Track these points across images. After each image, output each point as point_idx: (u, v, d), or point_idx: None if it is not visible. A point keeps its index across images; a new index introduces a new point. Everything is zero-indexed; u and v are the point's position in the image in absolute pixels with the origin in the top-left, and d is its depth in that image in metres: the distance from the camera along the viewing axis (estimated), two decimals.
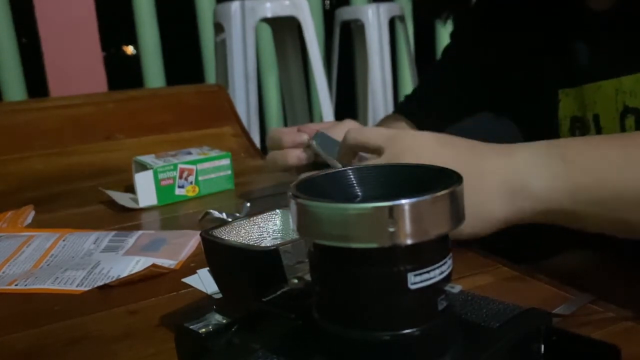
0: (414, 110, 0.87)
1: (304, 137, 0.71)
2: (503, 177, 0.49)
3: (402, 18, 2.88)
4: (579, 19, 0.66)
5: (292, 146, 0.71)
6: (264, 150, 0.89)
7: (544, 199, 0.49)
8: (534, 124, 0.61)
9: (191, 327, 0.37)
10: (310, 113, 2.85)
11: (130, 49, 3.51)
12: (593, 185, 0.47)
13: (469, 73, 0.83)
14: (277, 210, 0.46)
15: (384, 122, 0.90)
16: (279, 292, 0.38)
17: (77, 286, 0.57)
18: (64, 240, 0.69)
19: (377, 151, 0.55)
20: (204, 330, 0.36)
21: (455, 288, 0.31)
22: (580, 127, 0.67)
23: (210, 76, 2.92)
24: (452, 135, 0.55)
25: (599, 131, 0.64)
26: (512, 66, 0.75)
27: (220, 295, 0.50)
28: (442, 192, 0.29)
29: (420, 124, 0.84)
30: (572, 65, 0.66)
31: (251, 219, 0.45)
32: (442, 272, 0.31)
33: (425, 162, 0.48)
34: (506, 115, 0.78)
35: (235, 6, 2.19)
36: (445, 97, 0.88)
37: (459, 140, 0.53)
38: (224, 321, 0.37)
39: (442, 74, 0.90)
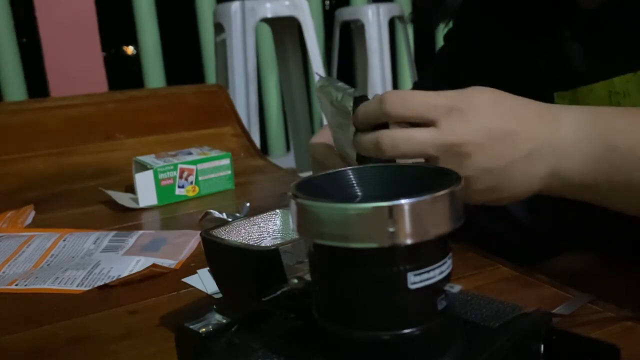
0: None
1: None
2: (546, 153, 0.49)
3: (402, 18, 2.88)
4: (571, 20, 0.66)
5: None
6: (264, 150, 0.88)
7: (577, 182, 0.49)
8: None
9: (191, 327, 0.37)
10: (310, 113, 2.85)
11: (130, 49, 3.51)
12: (630, 168, 0.48)
13: (465, 75, 0.83)
14: (277, 210, 0.46)
15: None
16: (279, 292, 0.38)
17: (77, 286, 0.57)
18: (64, 240, 0.69)
19: (428, 124, 0.50)
20: (204, 330, 0.36)
21: (455, 288, 0.31)
22: None
23: (211, 76, 2.92)
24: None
25: None
26: (506, 69, 0.75)
27: (220, 295, 0.50)
28: (442, 192, 0.29)
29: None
30: (565, 67, 0.66)
31: (251, 219, 0.45)
32: (442, 272, 0.31)
33: (477, 143, 0.48)
34: None
35: (235, 6, 2.19)
36: None
37: (525, 116, 0.51)
38: (224, 321, 0.37)
39: (437, 76, 0.90)
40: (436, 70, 0.90)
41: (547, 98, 0.69)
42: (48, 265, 0.64)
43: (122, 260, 0.63)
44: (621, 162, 0.48)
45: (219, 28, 2.33)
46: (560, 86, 0.67)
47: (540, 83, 0.69)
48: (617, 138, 0.48)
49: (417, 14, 0.77)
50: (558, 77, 0.67)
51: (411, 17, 0.79)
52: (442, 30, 0.84)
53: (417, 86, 0.92)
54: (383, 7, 2.72)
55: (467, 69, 0.82)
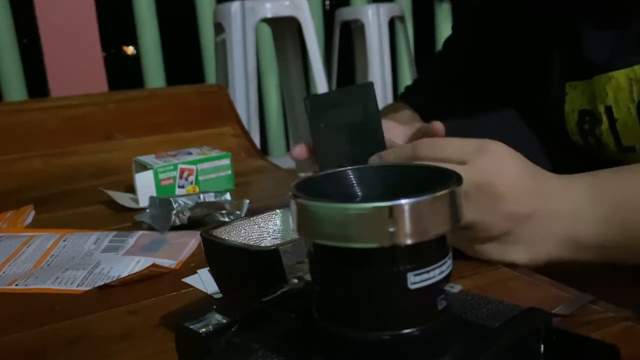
0: (419, 101, 0.87)
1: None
2: (564, 217, 0.51)
3: (402, 18, 2.88)
4: (586, 8, 0.65)
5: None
6: (264, 150, 0.88)
7: (592, 244, 0.51)
8: (540, 117, 0.61)
9: (191, 327, 0.37)
10: None
11: (130, 49, 3.51)
12: (636, 222, 0.50)
13: (474, 64, 0.83)
14: (277, 210, 0.46)
15: (386, 110, 0.89)
16: (279, 292, 0.38)
17: (77, 286, 0.57)
18: (64, 241, 0.69)
19: (459, 163, 0.52)
20: (204, 330, 0.36)
21: (455, 288, 0.31)
22: (590, 121, 0.66)
23: (210, 76, 2.92)
24: (529, 161, 0.54)
25: (612, 123, 0.64)
26: (518, 58, 0.75)
27: (220, 295, 0.50)
28: (442, 192, 0.29)
29: (426, 115, 0.82)
30: (579, 57, 0.66)
31: (251, 219, 0.45)
32: (442, 272, 0.31)
33: (507, 185, 0.49)
34: (511, 109, 0.78)
35: (235, 6, 2.19)
36: (451, 87, 0.87)
37: (542, 175, 0.53)
38: (224, 321, 0.37)
39: (446, 64, 0.90)
40: (432, 78, 0.90)
41: (558, 87, 0.68)
42: (48, 265, 0.64)
43: (122, 260, 0.63)
44: (627, 218, 0.50)
45: (219, 28, 2.33)
46: (573, 76, 0.67)
47: (552, 72, 0.69)
48: (617, 196, 0.50)
49: None
50: (573, 66, 0.67)
51: None
52: (442, 31, 0.84)
53: (405, 94, 0.92)
54: (383, 7, 2.73)
55: (476, 60, 0.82)
